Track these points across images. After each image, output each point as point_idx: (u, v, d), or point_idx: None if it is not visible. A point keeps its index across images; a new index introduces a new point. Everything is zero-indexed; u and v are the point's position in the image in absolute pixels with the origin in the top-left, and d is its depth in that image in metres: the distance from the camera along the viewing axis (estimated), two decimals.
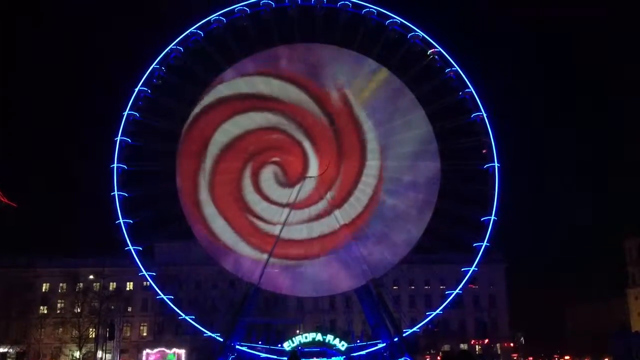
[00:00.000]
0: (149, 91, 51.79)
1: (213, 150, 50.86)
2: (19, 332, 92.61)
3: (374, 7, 53.18)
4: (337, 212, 51.38)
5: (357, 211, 51.97)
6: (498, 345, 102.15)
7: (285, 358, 45.84)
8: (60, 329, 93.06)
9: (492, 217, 50.81)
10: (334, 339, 50.26)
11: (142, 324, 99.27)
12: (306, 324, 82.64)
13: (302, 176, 51.11)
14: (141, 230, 50.37)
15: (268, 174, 50.51)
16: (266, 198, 50.66)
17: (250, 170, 50.57)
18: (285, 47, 53.18)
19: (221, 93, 51.27)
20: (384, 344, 50.77)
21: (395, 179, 52.23)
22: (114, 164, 50.28)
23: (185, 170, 50.92)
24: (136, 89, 51.41)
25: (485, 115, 52.40)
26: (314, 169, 51.66)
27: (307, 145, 51.43)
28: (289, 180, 50.91)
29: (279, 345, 50.69)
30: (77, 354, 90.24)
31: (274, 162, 50.71)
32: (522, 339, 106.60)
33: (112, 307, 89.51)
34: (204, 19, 52.49)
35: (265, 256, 50.19)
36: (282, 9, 53.07)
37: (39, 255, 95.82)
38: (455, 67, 52.91)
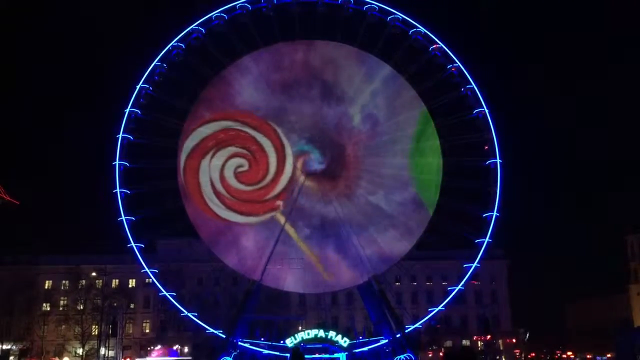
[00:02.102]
0: (151, 88, 51.77)
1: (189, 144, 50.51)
2: (22, 329, 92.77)
3: (375, 3, 53.10)
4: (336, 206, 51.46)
5: (357, 208, 52.11)
6: (500, 341, 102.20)
7: (288, 355, 45.85)
8: (63, 326, 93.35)
9: (494, 213, 50.78)
10: (336, 335, 50.27)
11: (144, 321, 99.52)
12: (308, 320, 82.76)
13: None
14: (143, 228, 50.41)
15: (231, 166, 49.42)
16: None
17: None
18: (286, 44, 53.16)
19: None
20: (386, 340, 50.81)
21: (396, 176, 52.26)
22: (115, 161, 50.26)
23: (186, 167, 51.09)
24: (138, 86, 51.35)
25: (487, 111, 52.38)
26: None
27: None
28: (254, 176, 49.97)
29: (282, 342, 50.72)
30: (80, 351, 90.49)
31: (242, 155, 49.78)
32: (524, 335, 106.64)
33: (115, 304, 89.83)
34: (205, 16, 52.47)
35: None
36: (283, 5, 53.05)
37: (41, 252, 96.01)
38: (457, 63, 52.89)
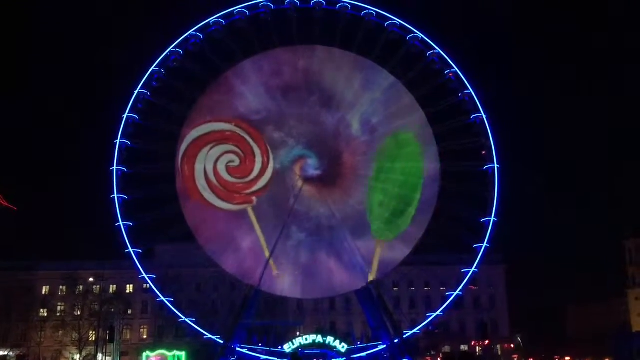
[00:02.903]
0: (149, 93, 51.92)
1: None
2: (19, 335, 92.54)
3: (373, 9, 53.32)
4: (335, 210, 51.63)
5: (354, 213, 52.27)
6: (498, 346, 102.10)
7: None
8: (61, 332, 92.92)
9: (492, 218, 50.95)
10: (334, 340, 50.26)
11: (142, 327, 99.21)
12: (306, 325, 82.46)
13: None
14: (141, 233, 50.47)
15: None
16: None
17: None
18: (284, 50, 53.29)
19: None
20: (385, 346, 50.80)
21: (394, 180, 52.36)
22: (113, 166, 50.38)
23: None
24: (136, 92, 51.52)
25: (484, 116, 52.62)
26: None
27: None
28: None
29: (280, 347, 50.69)
30: (77, 357, 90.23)
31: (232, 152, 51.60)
32: (521, 340, 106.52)
33: (112, 309, 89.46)
34: (203, 21, 52.62)
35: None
36: (281, 10, 53.21)
37: (38, 258, 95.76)
38: (454, 68, 53.11)
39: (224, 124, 52.08)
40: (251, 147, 51.93)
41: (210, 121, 51.98)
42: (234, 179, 51.45)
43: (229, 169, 51.46)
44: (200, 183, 50.82)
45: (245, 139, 51.92)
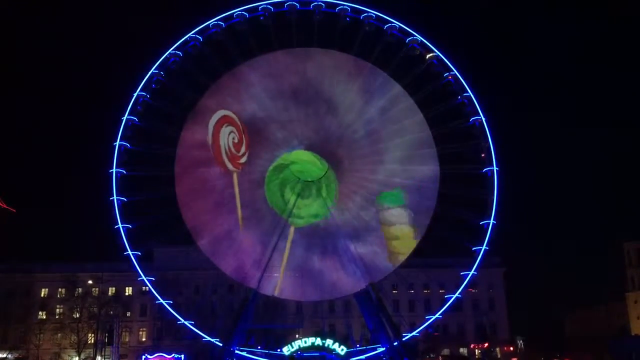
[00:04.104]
0: (148, 96, 51.96)
1: None
2: (18, 337, 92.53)
3: (372, 12, 53.42)
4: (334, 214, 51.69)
5: (353, 215, 52.29)
6: (497, 349, 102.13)
7: None
8: (59, 334, 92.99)
9: (491, 221, 50.93)
10: (333, 343, 50.17)
11: (141, 329, 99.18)
12: (305, 328, 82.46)
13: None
14: (140, 235, 50.42)
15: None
16: None
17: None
18: (283, 52, 53.31)
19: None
20: (384, 348, 50.77)
21: (392, 184, 52.40)
22: (112, 168, 50.37)
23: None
24: (135, 94, 51.56)
25: (483, 118, 52.69)
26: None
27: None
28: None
29: (278, 350, 50.63)
30: None
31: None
32: (521, 342, 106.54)
33: (111, 312, 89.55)
34: (202, 24, 52.70)
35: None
36: (280, 13, 53.30)
37: (37, 260, 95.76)
38: (453, 71, 53.21)
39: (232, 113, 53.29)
40: (242, 140, 52.82)
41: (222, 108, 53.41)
42: (233, 149, 53.06)
43: (232, 142, 53.01)
44: (223, 142, 52.73)
45: (241, 130, 52.93)
